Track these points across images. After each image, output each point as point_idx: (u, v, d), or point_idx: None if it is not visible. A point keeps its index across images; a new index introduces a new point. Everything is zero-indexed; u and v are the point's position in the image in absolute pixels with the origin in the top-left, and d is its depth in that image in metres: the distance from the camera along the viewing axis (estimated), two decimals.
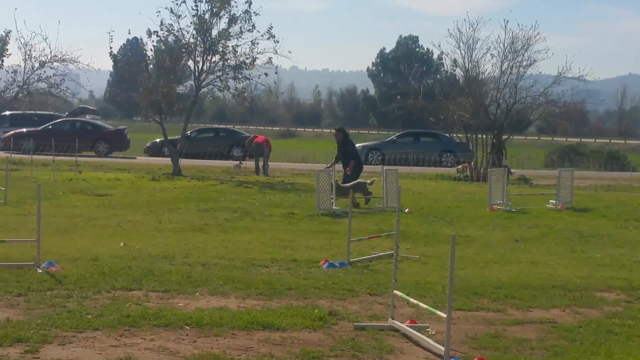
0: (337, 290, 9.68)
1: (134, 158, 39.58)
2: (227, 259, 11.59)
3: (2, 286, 9.19)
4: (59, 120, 42.43)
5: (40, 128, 40.41)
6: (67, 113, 46.98)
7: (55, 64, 33.50)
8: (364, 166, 22.89)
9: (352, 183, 19.60)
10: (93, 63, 34.29)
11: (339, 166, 21.78)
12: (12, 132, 39.78)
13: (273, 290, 9.52)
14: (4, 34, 32.93)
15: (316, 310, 8.53)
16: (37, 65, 33.51)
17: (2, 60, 33.46)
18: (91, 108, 61.85)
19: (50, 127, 40.51)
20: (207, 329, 7.75)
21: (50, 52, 33.28)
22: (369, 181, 19.95)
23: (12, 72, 34.04)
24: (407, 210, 18.48)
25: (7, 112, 41.46)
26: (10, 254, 11.26)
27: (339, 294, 9.51)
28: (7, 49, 33.32)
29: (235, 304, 8.84)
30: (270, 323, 7.95)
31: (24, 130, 40.17)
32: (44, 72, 33.71)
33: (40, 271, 10.00)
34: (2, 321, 7.69)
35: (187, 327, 7.77)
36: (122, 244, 12.72)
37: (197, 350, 7.08)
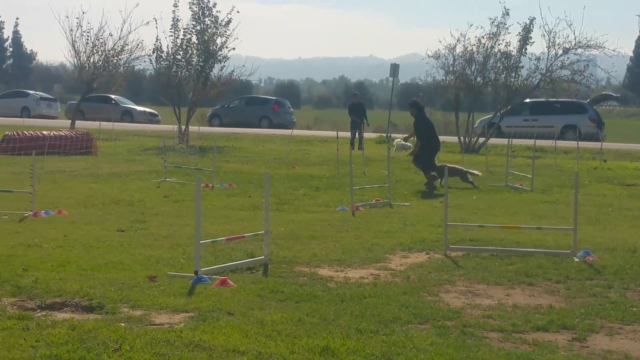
0: None
1: None
2: None
3: (541, 272, 9.28)
4: None
5: None
6: (588, 100, 46.41)
7: (579, 50, 33.30)
8: None
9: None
10: (619, 47, 33.33)
11: None
12: None
13: None
14: (528, 22, 33.51)
15: None
16: (560, 52, 33.60)
17: (526, 48, 34.11)
18: (614, 95, 60.39)
19: None
20: None
21: (575, 38, 33.15)
22: None
23: (535, 60, 34.47)
24: None
25: (527, 100, 41.92)
26: (544, 241, 11.39)
27: None
28: (531, 37, 33.84)
29: None
30: None
31: None
32: (567, 58, 33.66)
33: (577, 260, 9.93)
34: (546, 307, 7.74)
35: None
36: None
37: None
